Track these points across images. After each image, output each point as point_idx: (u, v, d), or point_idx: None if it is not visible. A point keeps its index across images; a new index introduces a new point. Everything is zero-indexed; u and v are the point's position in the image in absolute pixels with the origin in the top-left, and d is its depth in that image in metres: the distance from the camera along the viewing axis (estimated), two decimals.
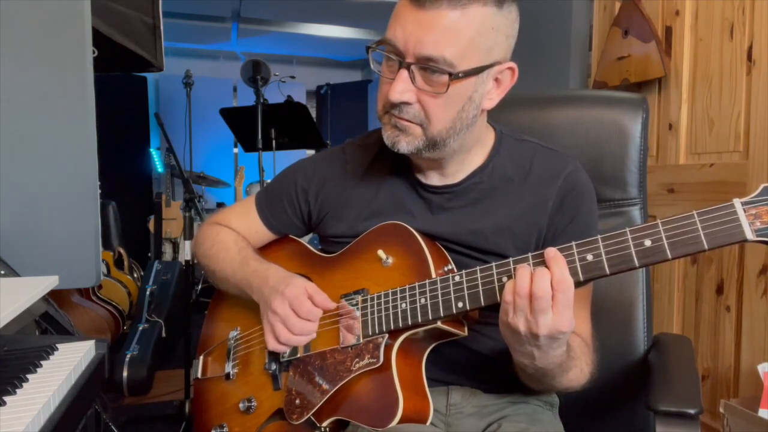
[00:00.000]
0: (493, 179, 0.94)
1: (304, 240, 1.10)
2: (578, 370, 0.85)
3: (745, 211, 0.66)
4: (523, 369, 0.83)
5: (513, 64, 0.86)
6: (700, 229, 0.67)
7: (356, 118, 6.42)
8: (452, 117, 0.85)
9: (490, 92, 0.87)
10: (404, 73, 0.81)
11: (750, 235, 0.66)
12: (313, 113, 5.97)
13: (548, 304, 0.71)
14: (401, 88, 0.82)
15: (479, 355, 0.94)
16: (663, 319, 2.21)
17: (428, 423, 0.84)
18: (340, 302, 0.93)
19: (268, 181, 3.67)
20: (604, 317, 1.07)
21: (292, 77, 4.34)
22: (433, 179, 0.96)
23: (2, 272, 1.05)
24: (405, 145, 0.87)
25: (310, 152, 4.86)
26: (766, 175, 1.81)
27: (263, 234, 1.10)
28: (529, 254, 0.76)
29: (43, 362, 0.75)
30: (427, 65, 0.80)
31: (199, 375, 1.10)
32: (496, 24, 0.81)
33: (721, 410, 1.61)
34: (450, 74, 0.80)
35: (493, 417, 0.95)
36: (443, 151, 0.89)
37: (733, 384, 1.93)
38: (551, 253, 0.73)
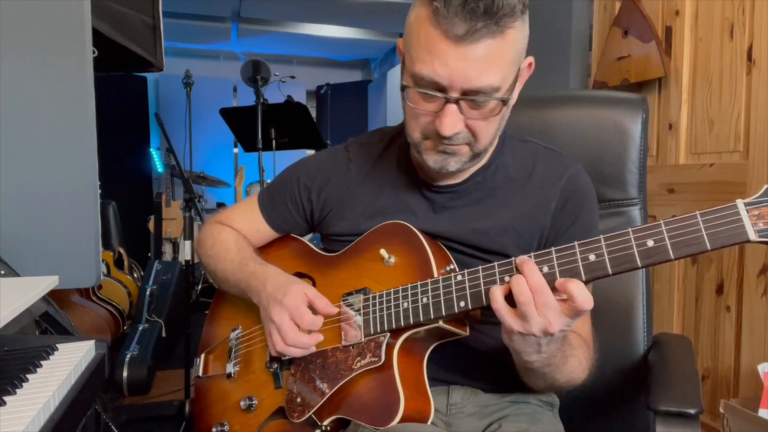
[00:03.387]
0: (497, 179, 0.94)
1: (305, 239, 1.10)
2: (577, 361, 0.84)
3: (747, 212, 0.66)
4: (529, 367, 0.82)
5: (531, 59, 0.86)
6: (702, 229, 0.67)
7: (356, 118, 6.43)
8: (496, 129, 0.87)
9: (516, 89, 0.88)
10: (452, 107, 0.79)
11: (753, 235, 0.66)
12: (313, 113, 5.97)
13: (552, 299, 0.71)
14: (453, 122, 0.80)
15: (480, 355, 0.94)
16: (663, 319, 2.21)
17: (429, 422, 0.84)
18: (341, 301, 0.93)
19: (268, 181, 3.65)
20: (604, 317, 1.07)
21: (292, 77, 4.34)
22: (437, 178, 0.96)
23: (2, 272, 1.05)
24: (454, 164, 0.87)
25: (310, 152, 4.86)
26: (766, 175, 1.81)
27: (266, 233, 1.10)
28: (532, 254, 0.76)
29: (43, 362, 0.75)
30: (476, 97, 0.78)
31: (200, 373, 1.10)
32: (525, 33, 0.81)
33: (721, 410, 1.61)
34: (502, 100, 0.80)
35: (494, 417, 0.95)
36: (482, 159, 0.90)
37: (733, 384, 1.93)
38: (518, 260, 0.75)
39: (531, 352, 0.77)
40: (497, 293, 0.74)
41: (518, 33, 0.78)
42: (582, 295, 0.70)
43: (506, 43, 0.76)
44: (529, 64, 0.87)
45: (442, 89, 0.78)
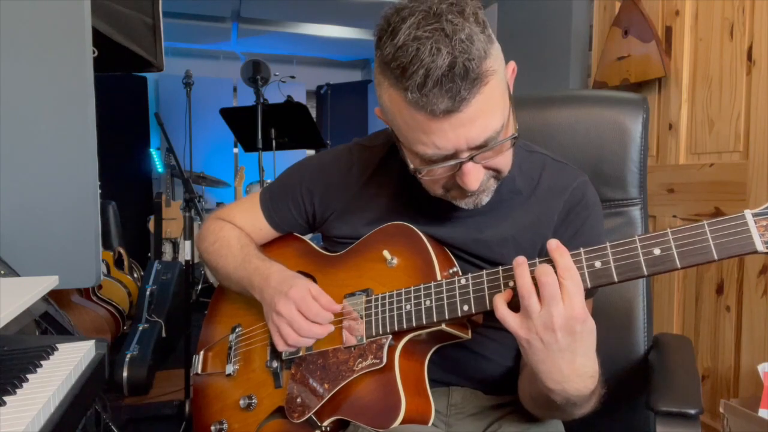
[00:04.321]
0: (502, 191, 0.92)
1: (307, 238, 1.10)
2: (597, 397, 0.81)
3: (755, 223, 0.65)
4: (552, 399, 0.77)
5: (513, 64, 0.84)
6: (710, 239, 0.67)
7: (356, 118, 6.43)
8: (512, 154, 0.85)
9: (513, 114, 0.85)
10: (469, 165, 0.77)
11: (761, 246, 0.65)
12: (313, 113, 5.97)
13: (557, 290, 0.68)
14: (475, 178, 0.78)
15: (480, 356, 0.94)
16: (663, 319, 2.21)
17: (429, 424, 0.84)
18: (343, 302, 0.93)
19: (268, 181, 3.63)
20: (604, 317, 1.07)
21: (292, 77, 4.34)
22: None
23: (2, 272, 1.05)
24: (486, 198, 0.86)
25: (310, 152, 4.87)
26: (766, 175, 1.81)
27: (266, 231, 1.10)
28: (537, 260, 0.74)
29: (43, 362, 0.75)
30: (487, 147, 0.76)
31: (199, 370, 1.10)
32: (498, 58, 0.77)
33: (721, 410, 1.61)
34: (513, 138, 0.79)
35: (494, 417, 0.95)
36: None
37: (733, 384, 1.93)
38: (553, 244, 0.71)
39: (549, 370, 0.72)
40: (499, 301, 0.73)
41: (496, 66, 0.74)
42: (559, 249, 0.70)
43: (492, 86, 0.73)
44: (513, 70, 0.84)
45: (451, 156, 0.76)
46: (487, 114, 0.74)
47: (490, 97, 0.73)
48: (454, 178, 0.80)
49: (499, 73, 0.76)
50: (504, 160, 0.82)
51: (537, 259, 0.74)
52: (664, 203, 2.21)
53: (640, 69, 2.28)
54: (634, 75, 2.32)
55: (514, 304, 0.73)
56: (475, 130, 0.74)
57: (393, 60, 0.72)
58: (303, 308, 0.90)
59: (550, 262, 0.72)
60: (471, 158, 0.76)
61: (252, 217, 1.09)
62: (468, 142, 0.74)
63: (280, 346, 0.93)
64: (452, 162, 0.77)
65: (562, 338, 0.69)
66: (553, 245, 0.71)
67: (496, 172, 0.83)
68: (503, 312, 0.73)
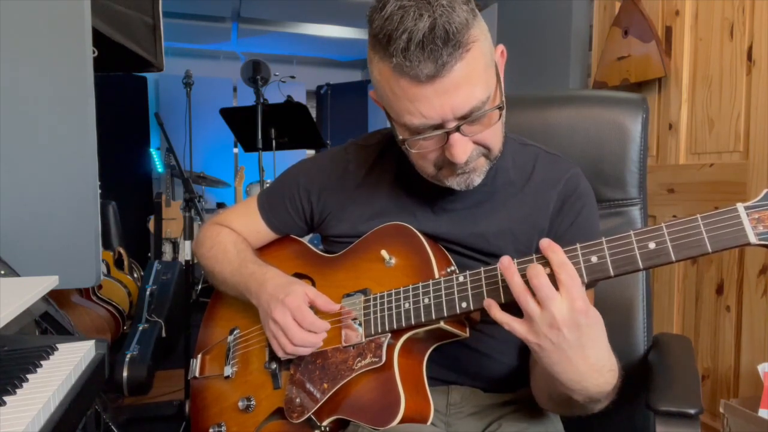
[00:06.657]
0: (496, 183, 0.94)
1: (305, 240, 1.10)
2: (616, 390, 0.80)
3: (748, 216, 0.66)
4: (572, 400, 0.77)
5: (501, 47, 0.86)
6: (704, 232, 0.67)
7: (356, 118, 6.43)
8: (502, 131, 0.86)
9: (502, 86, 0.87)
10: (456, 136, 0.79)
11: (753, 239, 0.66)
12: (313, 113, 5.97)
13: (551, 289, 0.68)
14: (462, 149, 0.79)
15: (480, 354, 0.94)
16: (663, 319, 2.21)
17: (428, 423, 0.84)
18: (341, 302, 0.93)
19: (268, 181, 3.63)
20: (604, 317, 1.06)
21: (292, 77, 4.34)
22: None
23: (2, 272, 1.05)
24: (477, 179, 0.87)
25: (310, 152, 4.87)
26: (766, 175, 1.81)
27: (265, 234, 1.10)
28: (533, 256, 0.75)
29: (43, 362, 0.75)
30: (472, 117, 0.78)
31: (197, 374, 1.10)
32: (484, 32, 0.79)
33: (721, 410, 1.61)
34: (498, 108, 0.80)
35: (493, 417, 0.95)
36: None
37: (733, 384, 1.94)
38: (545, 243, 0.72)
39: (565, 371, 0.72)
40: (496, 310, 0.73)
41: (480, 37, 0.77)
42: (551, 246, 0.70)
43: (475, 55, 0.75)
44: (501, 53, 0.86)
45: (438, 126, 0.78)
46: (470, 82, 0.76)
47: (473, 67, 0.76)
48: (444, 154, 0.82)
49: (483, 45, 0.78)
50: (492, 135, 0.83)
51: (534, 256, 0.74)
52: (664, 203, 2.21)
53: (640, 69, 2.28)
54: (634, 75, 2.32)
55: (515, 304, 0.73)
56: (459, 98, 0.76)
57: (380, 31, 0.76)
58: (298, 317, 0.90)
59: (545, 260, 0.72)
60: (458, 128, 0.78)
61: (250, 220, 1.10)
62: (453, 110, 0.76)
63: (280, 354, 0.93)
64: (439, 132, 0.79)
65: (569, 334, 0.69)
66: (545, 244, 0.72)
67: (486, 149, 0.84)
68: (507, 319, 0.72)
